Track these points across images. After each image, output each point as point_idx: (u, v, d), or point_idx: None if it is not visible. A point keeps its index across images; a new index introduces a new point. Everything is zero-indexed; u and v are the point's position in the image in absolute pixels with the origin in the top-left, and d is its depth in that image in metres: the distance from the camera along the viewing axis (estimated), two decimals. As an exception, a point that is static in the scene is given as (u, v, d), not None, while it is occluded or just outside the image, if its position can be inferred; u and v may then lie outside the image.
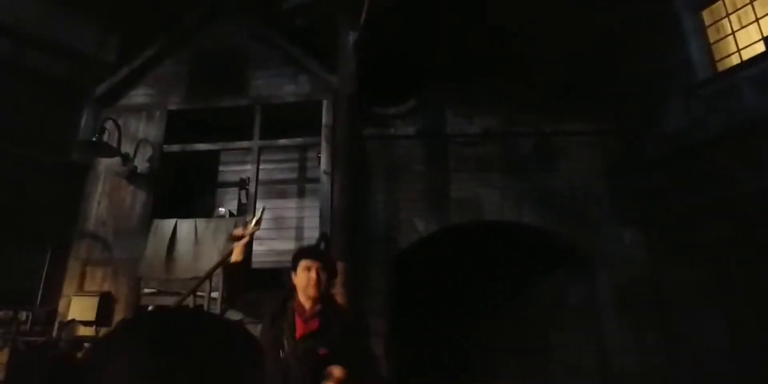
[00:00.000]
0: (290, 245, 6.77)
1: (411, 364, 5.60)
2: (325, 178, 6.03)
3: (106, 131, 6.22)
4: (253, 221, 2.41)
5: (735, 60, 5.26)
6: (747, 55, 5.11)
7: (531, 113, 6.13)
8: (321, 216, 5.90)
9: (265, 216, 7.60)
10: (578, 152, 5.97)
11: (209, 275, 5.10)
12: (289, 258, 2.35)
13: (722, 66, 5.38)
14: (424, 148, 6.09)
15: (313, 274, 2.23)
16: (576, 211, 5.76)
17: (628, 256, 5.57)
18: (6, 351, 5.09)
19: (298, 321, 2.17)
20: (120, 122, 6.50)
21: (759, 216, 5.49)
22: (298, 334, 2.12)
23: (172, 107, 6.77)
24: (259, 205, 6.43)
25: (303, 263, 2.28)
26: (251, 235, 2.39)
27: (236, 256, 2.36)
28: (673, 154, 5.49)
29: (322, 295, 2.24)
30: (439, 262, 6.26)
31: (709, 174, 5.11)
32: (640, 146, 5.88)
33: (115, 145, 6.30)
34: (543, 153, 5.96)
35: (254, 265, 6.08)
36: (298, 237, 7.05)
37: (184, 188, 7.33)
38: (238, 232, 2.39)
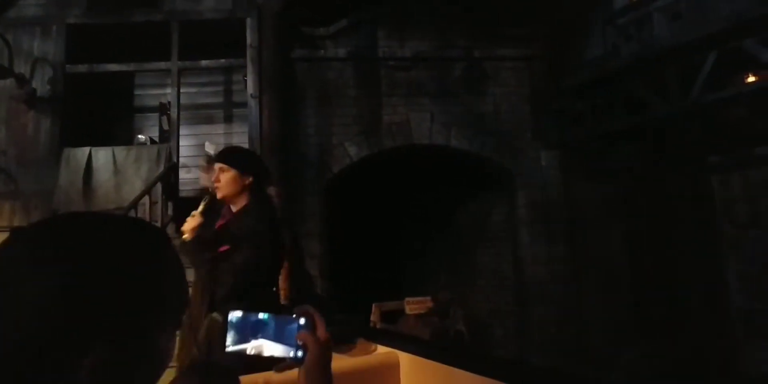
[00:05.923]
0: (219, 173, 6.57)
1: (346, 282, 5.90)
2: (253, 103, 5.79)
3: (-6, 48, 5.48)
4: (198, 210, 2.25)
5: (650, -11, 5.47)
6: (661, -16, 5.32)
7: (463, 37, 6.13)
8: (251, 142, 5.73)
9: (190, 143, 7.12)
10: (506, 77, 6.14)
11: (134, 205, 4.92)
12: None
13: (638, -5, 5.59)
14: (356, 71, 5.98)
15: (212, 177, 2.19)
16: (501, 135, 6.05)
17: (545, 177, 6.04)
18: None
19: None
20: (9, 38, 5.72)
21: (664, 141, 6.08)
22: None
23: (72, 21, 6.00)
24: (183, 131, 6.13)
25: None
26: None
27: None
28: (590, 82, 5.81)
29: (227, 198, 2.14)
30: (371, 186, 6.43)
31: (622, 101, 5.49)
32: (563, 73, 6.15)
33: (6, 64, 5.59)
34: (473, 77, 6.07)
35: (182, 194, 5.92)
36: (227, 164, 6.83)
37: (96, 114, 6.73)
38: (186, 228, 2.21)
